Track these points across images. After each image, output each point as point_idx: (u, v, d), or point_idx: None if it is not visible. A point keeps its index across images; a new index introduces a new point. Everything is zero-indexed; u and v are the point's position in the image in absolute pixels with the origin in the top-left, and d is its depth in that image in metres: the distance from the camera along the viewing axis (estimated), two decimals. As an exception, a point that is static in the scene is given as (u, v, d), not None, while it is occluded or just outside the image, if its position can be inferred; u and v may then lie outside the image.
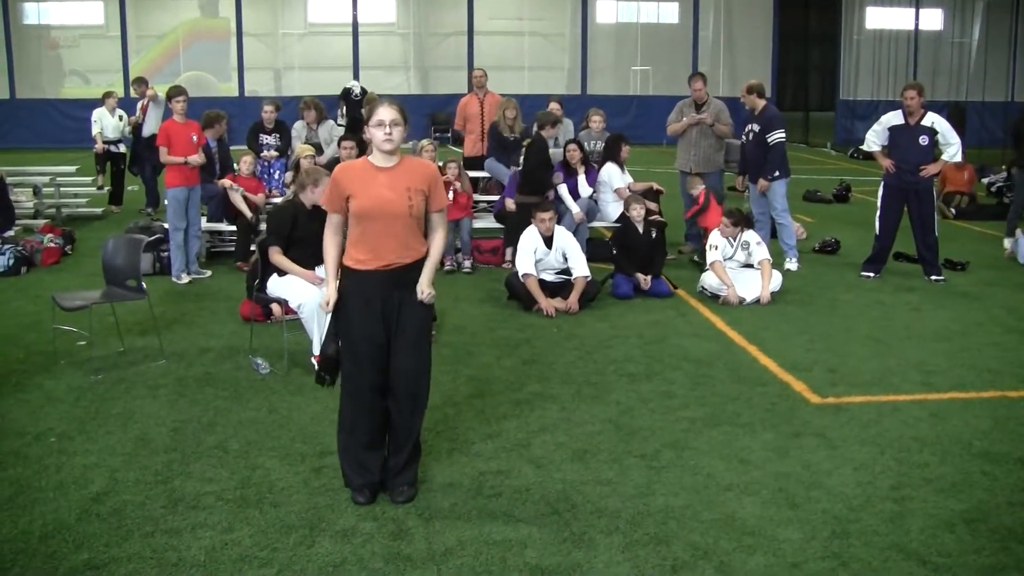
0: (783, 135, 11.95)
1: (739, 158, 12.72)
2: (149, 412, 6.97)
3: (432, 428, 6.56)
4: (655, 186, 12.60)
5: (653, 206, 12.05)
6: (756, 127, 12.02)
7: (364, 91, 16.24)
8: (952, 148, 11.18)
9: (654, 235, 10.79)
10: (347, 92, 17.66)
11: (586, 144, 12.59)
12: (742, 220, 10.70)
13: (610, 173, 12.37)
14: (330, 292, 5.53)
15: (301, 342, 8.15)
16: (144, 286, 8.36)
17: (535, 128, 12.07)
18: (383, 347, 5.44)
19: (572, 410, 7.05)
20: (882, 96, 31.53)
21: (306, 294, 7.87)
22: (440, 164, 11.73)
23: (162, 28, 30.99)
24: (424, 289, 5.48)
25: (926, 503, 5.51)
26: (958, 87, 31.97)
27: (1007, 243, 13.27)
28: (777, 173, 11.89)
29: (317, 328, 7.77)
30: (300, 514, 5.36)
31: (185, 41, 30.65)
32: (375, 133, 5.37)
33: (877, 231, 11.57)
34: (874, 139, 11.59)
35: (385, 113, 5.33)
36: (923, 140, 11.11)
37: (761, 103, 12.13)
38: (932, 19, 33.66)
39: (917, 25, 33.02)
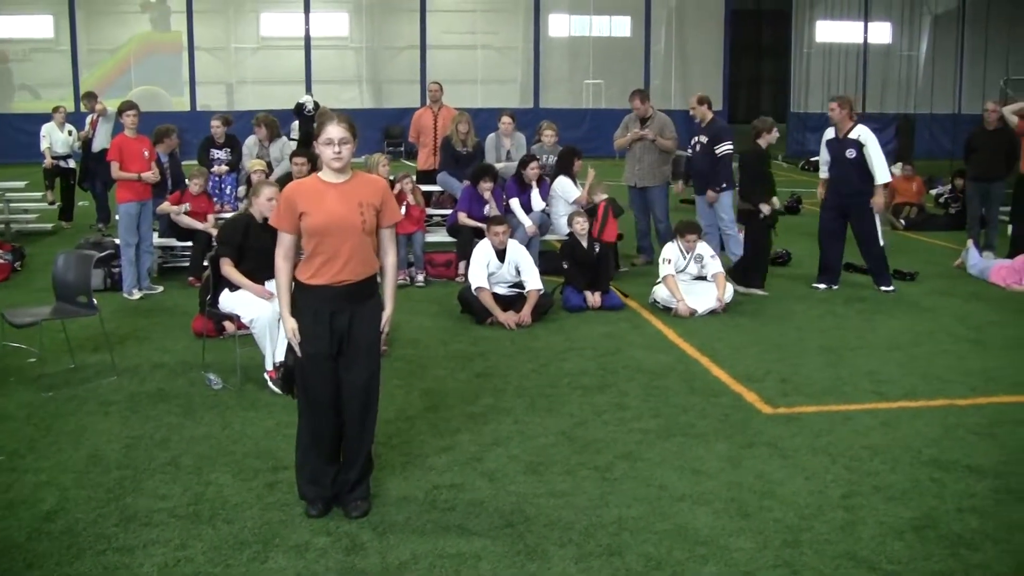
0: (731, 147, 12.09)
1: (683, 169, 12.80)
2: (101, 429, 6.91)
3: (386, 442, 6.55)
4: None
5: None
6: (704, 139, 12.14)
7: (317, 105, 16.22)
8: (877, 171, 11.05)
9: (598, 249, 10.82)
10: (300, 107, 17.62)
11: (538, 157, 12.61)
12: (698, 231, 10.76)
13: (563, 186, 12.39)
14: (287, 323, 5.46)
15: (254, 357, 8.10)
16: (95, 302, 8.32)
17: (751, 136, 11.86)
18: (334, 361, 5.43)
19: (526, 423, 7.06)
20: (833, 109, 31.82)
21: (258, 309, 7.84)
22: (392, 178, 11.71)
23: (113, 42, 30.70)
24: (385, 328, 5.57)
25: (876, 511, 5.58)
26: (907, 100, 32.39)
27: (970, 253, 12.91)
28: (724, 185, 12.00)
29: (269, 343, 7.78)
30: (253, 530, 5.33)
31: (136, 55, 30.35)
32: (324, 151, 5.33)
33: (820, 245, 11.70)
34: (823, 160, 11.65)
35: (334, 131, 5.28)
36: (850, 153, 11.10)
37: (709, 115, 12.25)
38: (881, 33, 34.05)
39: (866, 38, 33.37)
